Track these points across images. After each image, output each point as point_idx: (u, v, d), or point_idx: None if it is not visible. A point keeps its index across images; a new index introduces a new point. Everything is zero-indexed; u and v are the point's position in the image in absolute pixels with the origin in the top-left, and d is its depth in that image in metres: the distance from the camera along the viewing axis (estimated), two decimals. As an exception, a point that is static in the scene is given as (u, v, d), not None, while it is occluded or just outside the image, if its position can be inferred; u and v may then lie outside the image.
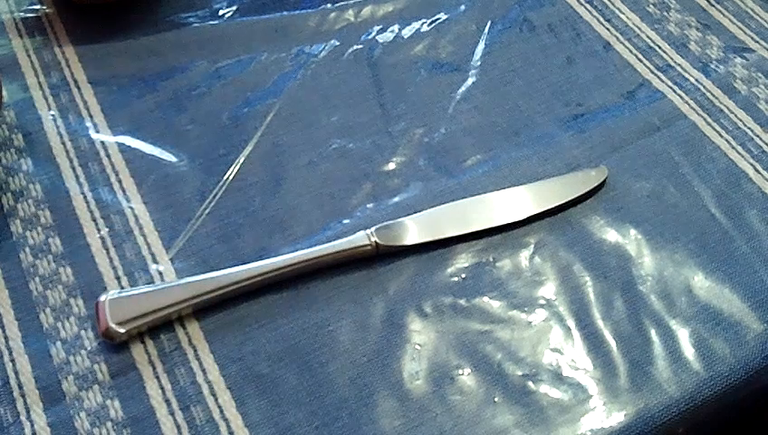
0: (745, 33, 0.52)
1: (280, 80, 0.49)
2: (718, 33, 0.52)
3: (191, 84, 0.48)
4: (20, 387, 0.37)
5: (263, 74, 0.49)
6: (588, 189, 0.43)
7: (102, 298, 0.37)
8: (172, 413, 0.36)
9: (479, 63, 0.50)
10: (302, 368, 0.37)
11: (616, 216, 0.42)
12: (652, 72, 0.50)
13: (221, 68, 0.49)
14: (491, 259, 0.41)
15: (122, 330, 0.37)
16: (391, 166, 0.45)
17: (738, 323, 0.40)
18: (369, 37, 0.51)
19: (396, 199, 0.44)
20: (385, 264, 0.41)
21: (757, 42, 0.52)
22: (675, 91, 0.49)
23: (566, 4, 0.54)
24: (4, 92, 0.45)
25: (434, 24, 0.52)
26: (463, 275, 0.41)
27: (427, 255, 0.41)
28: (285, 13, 0.53)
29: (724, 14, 0.53)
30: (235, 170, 0.44)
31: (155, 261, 0.41)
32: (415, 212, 0.43)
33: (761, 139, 0.47)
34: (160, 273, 0.40)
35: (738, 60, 0.51)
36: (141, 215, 0.42)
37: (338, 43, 0.51)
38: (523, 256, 0.42)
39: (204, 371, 0.37)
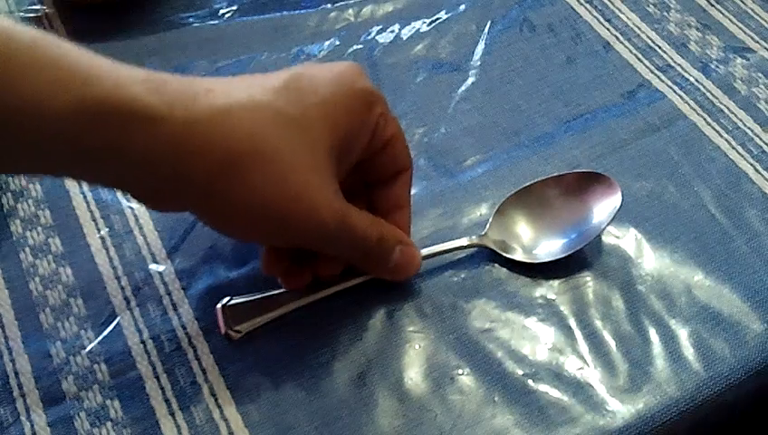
0: (745, 33, 0.52)
1: (280, 80, 0.49)
2: (718, 33, 0.52)
3: (191, 84, 0.48)
4: (20, 387, 0.37)
5: (263, 74, 0.49)
6: None
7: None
8: (172, 413, 0.36)
9: (479, 63, 0.50)
10: (302, 368, 0.37)
11: (616, 216, 0.42)
12: (652, 72, 0.50)
13: (221, 68, 0.49)
14: (491, 259, 0.41)
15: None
16: (391, 166, 0.45)
17: (738, 323, 0.40)
18: (369, 37, 0.51)
19: (396, 199, 0.44)
20: (385, 264, 0.41)
21: (757, 42, 0.52)
22: (675, 92, 0.49)
23: (566, 4, 0.54)
24: (4, 92, 0.45)
25: (434, 24, 0.52)
26: (463, 275, 0.41)
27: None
28: (285, 13, 0.53)
29: (724, 14, 0.53)
30: (235, 170, 0.44)
31: (155, 261, 0.41)
32: (414, 212, 0.43)
33: (761, 139, 0.47)
34: (160, 273, 0.40)
35: (738, 60, 0.51)
36: (141, 215, 0.42)
37: (338, 43, 0.51)
38: (523, 256, 0.42)
39: (204, 371, 0.37)
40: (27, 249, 0.41)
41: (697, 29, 0.53)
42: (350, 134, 0.34)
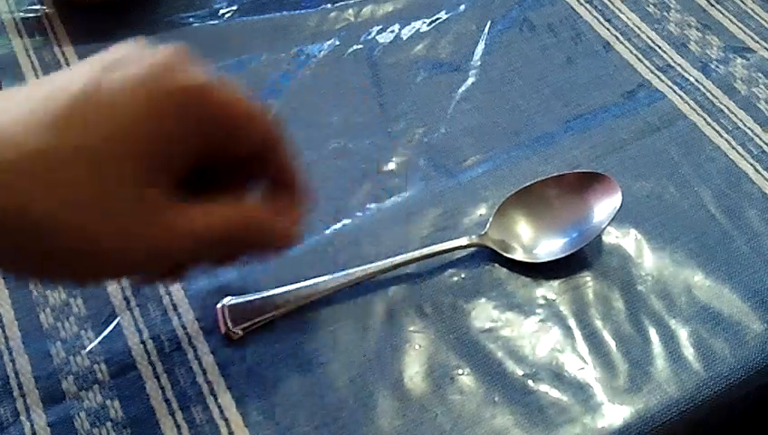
0: (745, 33, 0.52)
1: (280, 80, 0.49)
2: (718, 33, 0.52)
3: (191, 84, 0.48)
4: (20, 387, 0.36)
5: (263, 74, 0.49)
6: None
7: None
8: (172, 413, 0.36)
9: (479, 63, 0.50)
10: (302, 368, 0.37)
11: (616, 216, 0.42)
12: (652, 72, 0.50)
13: (221, 68, 0.49)
14: (491, 259, 0.41)
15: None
16: (391, 166, 0.45)
17: (738, 323, 0.40)
18: (369, 37, 0.51)
19: (396, 199, 0.44)
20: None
21: (757, 42, 0.52)
22: (675, 92, 0.49)
23: (566, 5, 0.54)
24: (4, 92, 0.45)
25: (434, 24, 0.52)
26: (463, 275, 0.41)
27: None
28: (285, 13, 0.53)
29: (724, 14, 0.53)
30: (235, 170, 0.44)
31: (155, 261, 0.41)
32: (412, 213, 0.43)
33: (761, 139, 0.47)
34: (160, 273, 0.40)
35: (738, 60, 0.51)
36: (141, 215, 0.42)
37: (338, 43, 0.51)
38: (523, 256, 0.42)
39: (204, 371, 0.37)
40: (27, 249, 0.41)
41: (697, 29, 0.53)
42: (169, 145, 0.30)
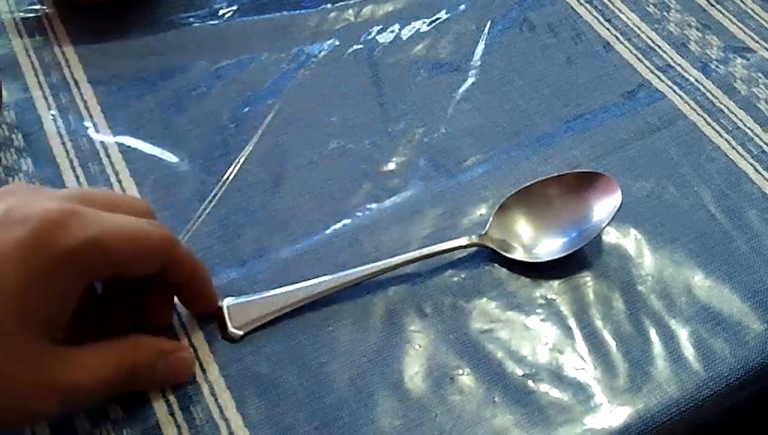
0: (745, 33, 0.52)
1: (280, 80, 0.49)
2: (718, 33, 0.52)
3: (191, 84, 0.48)
4: (20, 387, 0.36)
5: (263, 74, 0.49)
6: None
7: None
8: (172, 413, 0.36)
9: (479, 63, 0.50)
10: (302, 368, 0.37)
11: (616, 216, 0.42)
12: (652, 72, 0.50)
13: (221, 68, 0.49)
14: (491, 259, 0.41)
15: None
16: (391, 166, 0.45)
17: (738, 323, 0.40)
18: (369, 37, 0.51)
19: (396, 199, 0.44)
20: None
21: (757, 42, 0.52)
22: (675, 92, 0.49)
23: (566, 5, 0.54)
24: (4, 92, 0.45)
25: (434, 24, 0.52)
26: (463, 275, 0.41)
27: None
28: (285, 13, 0.53)
29: (724, 14, 0.53)
30: (235, 170, 0.44)
31: (155, 261, 0.41)
32: (412, 213, 0.43)
33: (761, 139, 0.47)
34: (160, 273, 0.40)
35: (738, 60, 0.51)
36: (141, 215, 0.42)
37: (338, 43, 0.51)
38: (523, 256, 0.42)
39: (204, 371, 0.37)
40: (27, 249, 0.41)
41: (697, 29, 0.53)
42: (58, 305, 0.31)
